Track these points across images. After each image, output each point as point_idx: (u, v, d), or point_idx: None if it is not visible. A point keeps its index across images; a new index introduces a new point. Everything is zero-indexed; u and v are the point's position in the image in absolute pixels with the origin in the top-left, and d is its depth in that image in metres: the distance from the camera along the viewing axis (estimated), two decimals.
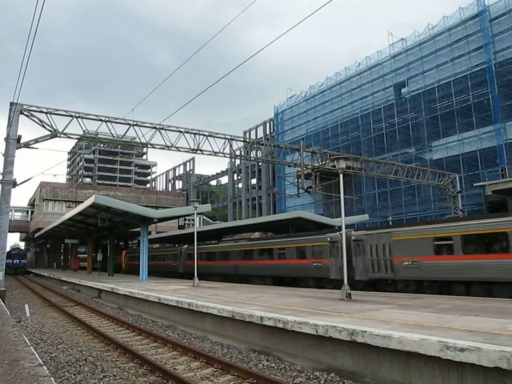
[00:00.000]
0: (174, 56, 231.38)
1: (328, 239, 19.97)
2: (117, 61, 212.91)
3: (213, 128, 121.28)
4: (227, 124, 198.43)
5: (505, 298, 12.60)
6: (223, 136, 24.58)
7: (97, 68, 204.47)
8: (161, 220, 30.44)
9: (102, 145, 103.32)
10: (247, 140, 39.80)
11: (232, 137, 24.98)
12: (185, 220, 57.89)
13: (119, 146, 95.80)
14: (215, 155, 24.30)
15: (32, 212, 59.09)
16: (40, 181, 51.34)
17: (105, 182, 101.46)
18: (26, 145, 19.20)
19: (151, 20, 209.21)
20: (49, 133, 19.62)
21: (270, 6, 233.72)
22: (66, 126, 20.12)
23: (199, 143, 23.44)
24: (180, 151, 23.19)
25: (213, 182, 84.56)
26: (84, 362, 8.76)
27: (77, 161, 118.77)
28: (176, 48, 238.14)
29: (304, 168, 26.77)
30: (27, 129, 23.76)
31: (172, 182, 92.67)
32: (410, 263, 16.10)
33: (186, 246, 33.99)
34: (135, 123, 21.83)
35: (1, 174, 18.27)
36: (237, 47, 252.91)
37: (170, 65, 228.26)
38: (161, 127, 22.27)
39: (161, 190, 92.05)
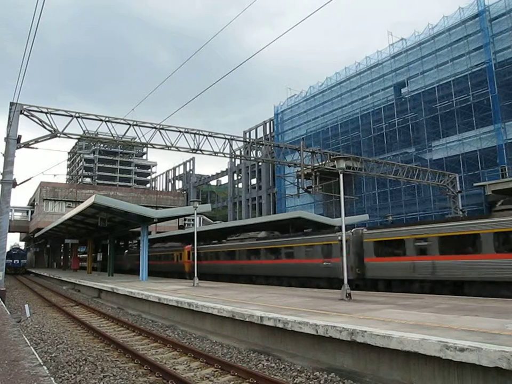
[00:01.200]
0: (174, 56, 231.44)
1: None
2: (117, 61, 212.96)
3: (213, 128, 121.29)
4: (227, 124, 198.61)
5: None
6: (223, 136, 24.59)
7: (97, 67, 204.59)
8: (161, 220, 30.45)
9: (102, 145, 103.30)
10: (247, 140, 39.80)
11: (232, 137, 24.99)
12: (185, 219, 57.91)
13: (119, 146, 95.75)
14: (215, 155, 24.31)
15: (32, 212, 59.13)
16: (40, 181, 51.42)
17: (105, 182, 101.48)
18: (26, 145, 19.21)
19: (150, 19, 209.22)
20: (49, 133, 19.63)
21: (269, 6, 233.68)
22: (66, 126, 20.15)
23: (199, 143, 23.46)
24: (180, 151, 23.20)
25: (213, 182, 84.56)
26: (84, 362, 8.77)
27: (77, 161, 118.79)
28: (175, 48, 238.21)
29: (304, 168, 26.77)
30: (27, 129, 23.77)
31: (172, 182, 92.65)
32: None
33: (364, 230, 20.05)
34: (135, 123, 21.83)
35: (1, 174, 18.27)
36: (236, 47, 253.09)
37: (170, 65, 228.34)
38: (161, 127, 22.27)
39: (161, 190, 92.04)
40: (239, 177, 69.02)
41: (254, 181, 64.73)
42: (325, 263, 20.59)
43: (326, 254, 20.75)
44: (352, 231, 20.02)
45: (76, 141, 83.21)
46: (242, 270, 26.96)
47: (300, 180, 27.96)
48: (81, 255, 60.46)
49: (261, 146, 30.98)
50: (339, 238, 18.87)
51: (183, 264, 33.23)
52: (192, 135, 23.29)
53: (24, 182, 20.63)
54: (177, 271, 33.11)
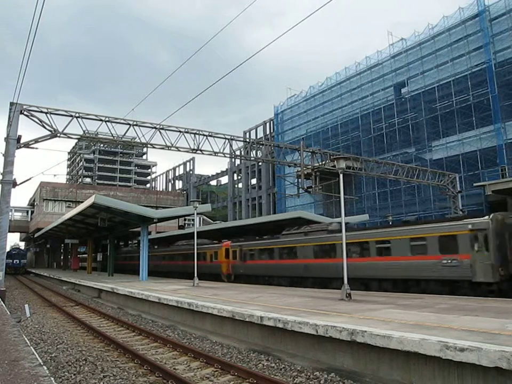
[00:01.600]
0: (174, 56, 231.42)
1: None
2: (116, 61, 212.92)
3: (212, 128, 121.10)
4: (227, 124, 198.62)
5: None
6: (223, 136, 24.58)
7: (97, 67, 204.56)
8: (161, 220, 30.46)
9: (102, 145, 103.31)
10: (247, 140, 39.81)
11: (232, 137, 24.98)
12: (185, 219, 57.90)
13: (119, 146, 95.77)
14: (215, 155, 24.29)
15: (32, 212, 59.13)
16: (40, 181, 51.42)
17: (105, 182, 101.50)
18: (26, 145, 19.20)
19: (150, 19, 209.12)
20: (49, 133, 19.62)
21: (269, 6, 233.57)
22: (66, 126, 20.14)
23: (199, 143, 23.45)
24: (180, 151, 23.19)
25: (213, 182, 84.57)
26: (84, 362, 8.77)
27: (77, 161, 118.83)
28: (175, 48, 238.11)
29: (304, 168, 26.76)
30: (27, 129, 23.77)
31: (172, 182, 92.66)
32: None
33: None
34: (135, 123, 21.83)
35: (1, 174, 18.27)
36: (236, 47, 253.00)
37: (170, 65, 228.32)
38: (161, 127, 22.27)
39: (161, 190, 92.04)
40: (239, 177, 69.02)
41: (254, 181, 64.72)
42: (445, 261, 16.12)
43: (448, 248, 16.02)
44: (490, 217, 15.18)
45: (76, 141, 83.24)
46: (307, 271, 22.47)
47: (300, 179, 27.95)
48: (81, 255, 60.44)
49: (261, 146, 30.95)
50: (470, 226, 15.43)
51: (220, 264, 29.32)
52: (192, 135, 23.29)
53: (24, 182, 20.64)
54: (211, 272, 29.05)
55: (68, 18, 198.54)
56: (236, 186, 70.21)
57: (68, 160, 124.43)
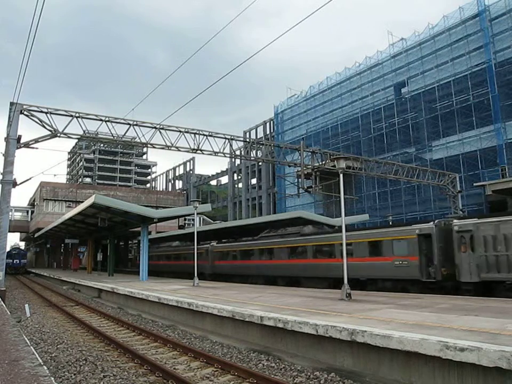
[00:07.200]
0: (170, 55, 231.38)
1: None
2: (114, 59, 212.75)
3: (210, 128, 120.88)
4: (224, 124, 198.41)
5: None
6: (223, 136, 24.57)
7: (95, 66, 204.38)
8: (161, 219, 30.43)
9: (102, 145, 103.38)
10: (247, 140, 39.80)
11: (232, 137, 24.96)
12: (185, 219, 57.92)
13: (119, 146, 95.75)
14: (215, 155, 24.29)
15: (32, 212, 59.12)
16: (40, 181, 51.43)
17: (105, 182, 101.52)
18: (26, 145, 19.20)
19: (146, 18, 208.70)
20: (49, 132, 19.61)
21: (264, 5, 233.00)
22: (66, 126, 20.13)
23: (199, 143, 23.44)
24: (180, 151, 23.19)
25: (213, 182, 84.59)
26: (84, 362, 8.76)
27: (77, 161, 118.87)
28: (171, 46, 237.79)
29: (304, 168, 26.75)
30: (27, 129, 23.75)
31: (172, 182, 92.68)
32: None
33: None
34: (135, 123, 21.82)
35: (1, 174, 18.28)
36: (233, 46, 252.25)
37: (167, 64, 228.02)
38: (161, 127, 22.26)
39: (161, 190, 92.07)
40: (239, 177, 69.02)
41: (254, 181, 64.73)
42: None
43: None
44: None
45: (76, 140, 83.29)
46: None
47: (300, 179, 27.94)
48: (81, 255, 60.37)
49: (261, 146, 30.90)
50: None
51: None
52: (192, 135, 23.28)
53: (24, 182, 20.64)
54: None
55: (63, 17, 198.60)
56: (236, 186, 70.21)
57: (68, 160, 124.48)
